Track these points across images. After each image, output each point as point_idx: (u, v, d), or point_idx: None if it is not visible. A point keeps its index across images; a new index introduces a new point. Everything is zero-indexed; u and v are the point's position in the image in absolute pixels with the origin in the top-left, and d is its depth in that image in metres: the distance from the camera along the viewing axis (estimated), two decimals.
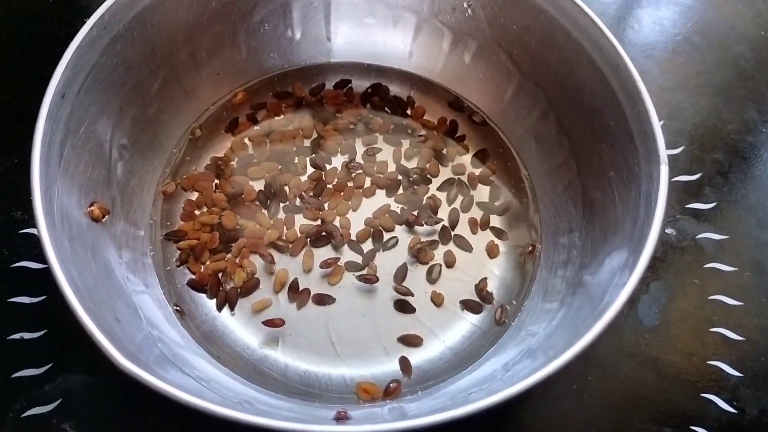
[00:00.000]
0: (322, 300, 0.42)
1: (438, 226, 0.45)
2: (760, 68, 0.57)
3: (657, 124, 0.36)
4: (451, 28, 0.48)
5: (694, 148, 0.52)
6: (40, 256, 0.43)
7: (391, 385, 0.39)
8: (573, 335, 0.32)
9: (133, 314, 0.36)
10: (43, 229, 0.31)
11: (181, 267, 0.42)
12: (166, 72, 0.43)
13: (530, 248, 0.44)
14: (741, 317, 0.45)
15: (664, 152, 0.35)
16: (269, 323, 0.41)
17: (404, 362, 0.41)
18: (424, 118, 0.50)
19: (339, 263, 0.43)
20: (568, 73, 0.42)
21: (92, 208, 0.37)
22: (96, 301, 0.32)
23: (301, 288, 0.42)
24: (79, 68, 0.36)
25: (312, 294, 0.42)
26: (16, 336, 0.41)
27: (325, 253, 0.44)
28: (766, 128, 0.53)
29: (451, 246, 0.45)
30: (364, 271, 0.43)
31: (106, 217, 0.38)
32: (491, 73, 0.48)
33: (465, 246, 0.45)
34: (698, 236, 0.48)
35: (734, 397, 0.42)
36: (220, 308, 0.42)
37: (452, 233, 0.45)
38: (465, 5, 0.45)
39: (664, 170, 0.34)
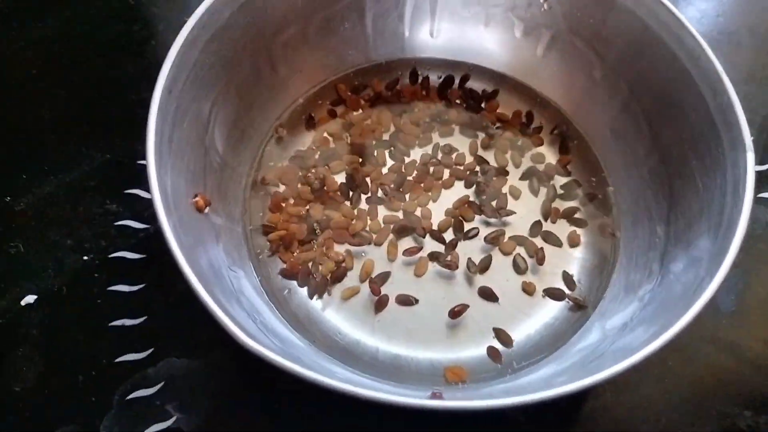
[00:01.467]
0: (406, 301, 0.43)
1: (512, 218, 0.46)
2: None
3: (741, 114, 0.37)
4: (523, 21, 0.49)
5: (764, 138, 0.52)
6: (137, 246, 0.45)
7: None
8: (659, 325, 0.32)
9: (237, 301, 0.38)
10: (163, 219, 0.32)
11: (273, 256, 0.44)
12: (253, 69, 0.45)
13: (611, 237, 0.45)
14: None
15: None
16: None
17: (492, 351, 0.42)
18: (499, 111, 0.51)
19: (422, 253, 0.45)
20: (647, 65, 0.43)
21: (197, 198, 0.39)
22: (209, 287, 0.34)
23: (386, 279, 0.44)
24: (182, 66, 0.37)
25: (396, 295, 0.43)
26: (118, 323, 0.43)
27: (407, 243, 0.45)
28: None
29: (538, 240, 0.46)
30: (448, 259, 0.44)
31: (208, 207, 0.40)
32: (567, 65, 0.49)
33: (554, 241, 0.46)
34: None
35: None
36: (311, 296, 0.43)
37: (542, 228, 0.46)
38: (541, 0, 0.47)
39: (750, 157, 0.35)
